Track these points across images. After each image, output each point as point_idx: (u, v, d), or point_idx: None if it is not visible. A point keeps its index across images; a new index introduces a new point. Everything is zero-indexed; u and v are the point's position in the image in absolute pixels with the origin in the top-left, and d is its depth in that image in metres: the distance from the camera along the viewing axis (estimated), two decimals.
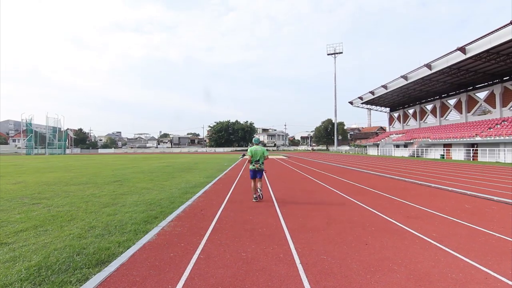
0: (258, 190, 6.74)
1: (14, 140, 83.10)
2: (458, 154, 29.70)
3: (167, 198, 6.82)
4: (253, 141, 7.14)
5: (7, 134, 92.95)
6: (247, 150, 7.34)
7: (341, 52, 66.70)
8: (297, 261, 3.17)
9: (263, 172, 6.94)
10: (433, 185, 9.46)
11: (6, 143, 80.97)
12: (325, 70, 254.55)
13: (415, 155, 35.89)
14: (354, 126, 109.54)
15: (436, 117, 42.67)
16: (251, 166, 6.81)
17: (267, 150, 7.11)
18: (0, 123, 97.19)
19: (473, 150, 28.14)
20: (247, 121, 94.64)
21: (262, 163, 6.87)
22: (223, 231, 4.28)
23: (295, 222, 4.84)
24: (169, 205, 6.04)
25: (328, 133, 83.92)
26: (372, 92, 46.54)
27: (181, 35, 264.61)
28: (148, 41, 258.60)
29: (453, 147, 30.99)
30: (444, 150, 31.79)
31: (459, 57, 27.26)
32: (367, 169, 16.01)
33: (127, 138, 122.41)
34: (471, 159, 27.78)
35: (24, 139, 59.84)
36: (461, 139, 29.83)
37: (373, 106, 55.97)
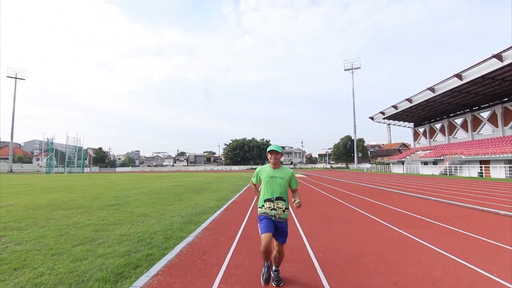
0: (273, 266, 3.10)
1: (37, 159, 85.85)
2: (499, 172, 26.53)
3: (163, 231, 5.28)
4: (268, 149, 3.19)
5: (32, 153, 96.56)
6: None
7: (359, 67, 65.14)
8: None
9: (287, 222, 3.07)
10: (509, 213, 7.36)
11: (30, 162, 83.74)
12: (342, 86, 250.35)
13: (448, 173, 32.71)
14: (374, 143, 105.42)
15: (467, 131, 39.41)
16: (260, 209, 3.13)
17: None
18: (26, 142, 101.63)
19: None
20: (263, 139, 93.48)
21: (287, 206, 3.07)
22: None
23: (343, 280, 3.12)
24: (162, 244, 4.48)
25: (347, 150, 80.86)
26: (395, 106, 44.10)
27: (199, 57, 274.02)
28: (168, 64, 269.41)
29: (492, 164, 27.85)
30: (482, 167, 28.62)
31: (495, 65, 24.92)
32: (401, 190, 13.85)
33: (145, 157, 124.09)
34: None
35: (45, 158, 61.30)
36: (501, 155, 26.78)
37: (396, 121, 53.08)
